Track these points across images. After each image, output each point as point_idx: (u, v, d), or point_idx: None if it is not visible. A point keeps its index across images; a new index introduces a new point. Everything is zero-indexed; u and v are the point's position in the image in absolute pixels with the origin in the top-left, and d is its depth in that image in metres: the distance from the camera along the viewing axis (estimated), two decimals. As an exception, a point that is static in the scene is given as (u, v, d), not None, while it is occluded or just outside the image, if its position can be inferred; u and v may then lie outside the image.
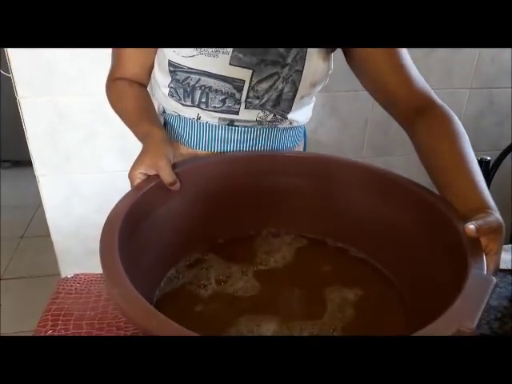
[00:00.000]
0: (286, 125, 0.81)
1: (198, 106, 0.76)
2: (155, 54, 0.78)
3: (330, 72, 0.80)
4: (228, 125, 0.78)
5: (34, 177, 1.28)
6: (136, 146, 1.32)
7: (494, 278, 0.44)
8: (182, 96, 0.76)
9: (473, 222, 0.49)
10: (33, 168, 1.27)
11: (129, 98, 0.75)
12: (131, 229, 0.54)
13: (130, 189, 0.61)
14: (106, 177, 1.31)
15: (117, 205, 0.55)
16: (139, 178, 0.62)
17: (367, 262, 0.69)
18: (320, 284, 0.64)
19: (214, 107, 0.76)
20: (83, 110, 1.21)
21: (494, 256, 0.50)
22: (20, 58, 1.12)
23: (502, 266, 0.88)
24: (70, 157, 1.26)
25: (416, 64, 1.51)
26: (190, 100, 0.76)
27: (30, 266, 2.00)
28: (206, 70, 0.72)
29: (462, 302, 0.41)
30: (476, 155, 1.29)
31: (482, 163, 1.21)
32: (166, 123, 0.84)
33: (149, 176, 0.62)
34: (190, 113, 0.78)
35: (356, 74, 0.76)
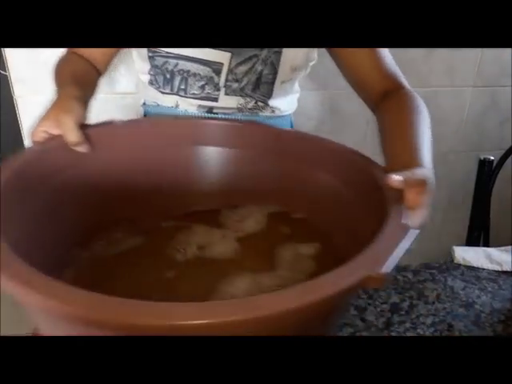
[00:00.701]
0: (268, 113, 0.79)
1: (177, 94, 0.75)
2: (117, 50, 0.76)
3: (314, 62, 0.79)
4: (207, 112, 0.77)
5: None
6: None
7: (411, 226, 0.43)
8: (161, 83, 0.75)
9: (398, 173, 0.49)
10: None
11: (70, 67, 0.69)
12: (22, 195, 0.47)
13: None
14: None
15: (3, 166, 0.47)
16: (41, 137, 0.55)
17: (308, 222, 0.67)
18: (278, 243, 0.62)
19: (194, 94, 0.75)
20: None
21: (419, 209, 0.48)
22: (17, 57, 1.12)
23: (506, 267, 0.88)
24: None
25: (418, 63, 1.51)
26: (170, 87, 0.75)
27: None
28: (184, 53, 0.71)
29: (372, 249, 0.39)
30: (479, 155, 1.29)
31: (486, 163, 1.20)
32: (145, 114, 0.83)
33: (53, 136, 0.55)
34: (169, 101, 0.77)
35: (333, 58, 0.77)
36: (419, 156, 0.57)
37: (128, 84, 1.19)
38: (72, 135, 0.54)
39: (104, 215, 0.61)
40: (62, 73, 0.67)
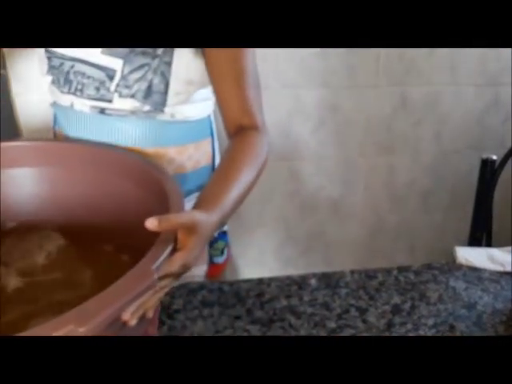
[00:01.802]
0: (166, 117, 0.78)
1: (74, 94, 0.77)
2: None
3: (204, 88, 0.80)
4: (100, 112, 0.77)
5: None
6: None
7: (154, 272, 0.45)
8: (61, 83, 0.77)
9: (157, 217, 0.49)
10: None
11: None
12: None
13: None
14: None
15: None
16: None
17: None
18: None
19: (88, 95, 0.76)
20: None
21: (185, 252, 0.51)
22: (14, 55, 1.11)
23: (508, 268, 0.87)
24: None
25: (420, 61, 1.51)
26: (68, 87, 0.77)
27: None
28: (79, 56, 0.74)
29: (91, 302, 0.40)
30: (481, 153, 1.28)
31: (488, 163, 1.20)
32: (54, 114, 0.85)
33: None
34: (66, 100, 0.78)
35: (207, 71, 0.77)
36: (217, 203, 0.60)
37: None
38: None
39: None
40: None
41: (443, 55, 1.43)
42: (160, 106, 0.77)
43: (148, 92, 0.75)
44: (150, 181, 0.61)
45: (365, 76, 1.40)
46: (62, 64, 0.75)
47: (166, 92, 0.76)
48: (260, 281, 0.82)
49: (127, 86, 0.74)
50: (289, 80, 1.38)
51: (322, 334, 0.70)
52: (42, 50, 0.76)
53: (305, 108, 1.42)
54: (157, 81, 0.74)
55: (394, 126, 1.51)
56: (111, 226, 0.65)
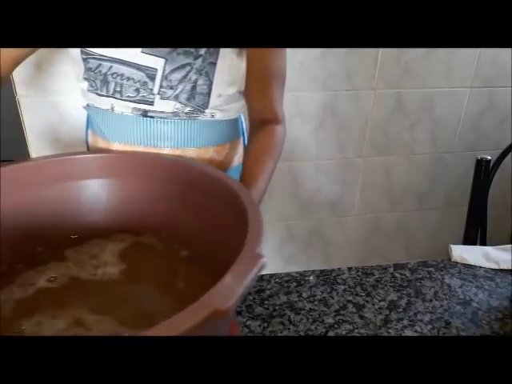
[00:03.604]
0: (207, 117, 0.78)
1: (113, 96, 0.74)
2: (31, 50, 0.75)
3: (242, 89, 0.81)
4: (142, 115, 0.76)
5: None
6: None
7: (262, 255, 0.46)
8: (98, 86, 0.74)
9: None
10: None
11: None
12: None
13: None
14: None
15: None
16: None
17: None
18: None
19: (128, 96, 0.74)
20: (83, 109, 1.21)
21: None
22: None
23: (503, 266, 0.88)
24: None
25: (416, 64, 1.52)
26: (106, 89, 0.74)
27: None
28: (118, 57, 0.71)
29: (222, 283, 0.42)
30: (476, 155, 1.30)
31: (483, 163, 1.21)
32: (88, 116, 0.84)
33: None
34: (105, 103, 0.76)
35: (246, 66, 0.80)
36: (255, 180, 0.73)
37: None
38: None
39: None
40: None
41: (439, 58, 1.44)
42: (202, 107, 0.76)
43: (192, 93, 0.74)
44: (224, 191, 0.61)
45: (362, 79, 1.42)
46: (99, 65, 0.72)
47: (209, 93, 0.75)
48: (260, 277, 0.82)
49: (171, 87, 0.73)
50: (289, 84, 1.38)
51: (321, 329, 0.71)
52: (77, 53, 0.72)
53: (304, 110, 1.43)
54: (201, 82, 0.74)
55: (390, 128, 1.52)
56: (186, 235, 0.66)
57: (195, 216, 0.66)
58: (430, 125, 1.55)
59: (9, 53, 0.73)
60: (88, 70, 0.73)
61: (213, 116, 0.78)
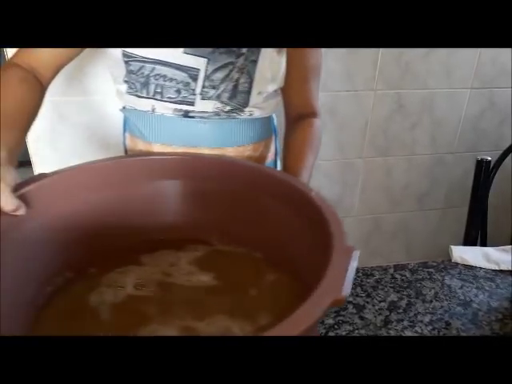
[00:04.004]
0: (245, 115, 0.79)
1: (153, 98, 0.75)
2: (75, 54, 0.73)
3: (281, 86, 0.81)
4: (183, 116, 0.76)
5: (33, 177, 1.27)
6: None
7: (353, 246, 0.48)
8: (138, 88, 0.75)
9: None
10: (32, 168, 1.26)
11: (4, 99, 0.65)
12: None
13: None
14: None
15: None
16: None
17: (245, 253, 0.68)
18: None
19: (169, 98, 0.74)
20: (83, 110, 1.21)
21: None
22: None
23: (503, 266, 0.88)
24: (69, 157, 1.26)
25: (416, 64, 1.52)
26: (146, 91, 0.75)
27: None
28: (161, 58, 0.71)
29: (331, 276, 0.44)
30: (476, 156, 1.30)
31: (483, 164, 1.21)
32: (125, 119, 0.84)
33: None
34: (146, 105, 0.77)
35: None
36: (299, 172, 0.72)
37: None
38: (9, 203, 0.52)
39: (72, 257, 0.63)
40: None
41: (439, 59, 1.44)
42: (242, 106, 0.77)
43: (233, 92, 0.75)
44: (291, 193, 0.62)
45: (362, 80, 1.41)
46: (141, 67, 0.72)
47: (249, 91, 0.76)
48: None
49: (213, 87, 0.74)
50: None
51: (321, 330, 0.72)
52: (118, 56, 0.72)
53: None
54: (243, 80, 0.74)
55: (390, 129, 1.52)
56: (261, 238, 0.66)
57: (264, 218, 0.66)
58: (430, 125, 1.55)
59: (51, 59, 0.71)
60: (129, 72, 0.73)
61: (251, 114, 0.80)
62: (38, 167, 1.26)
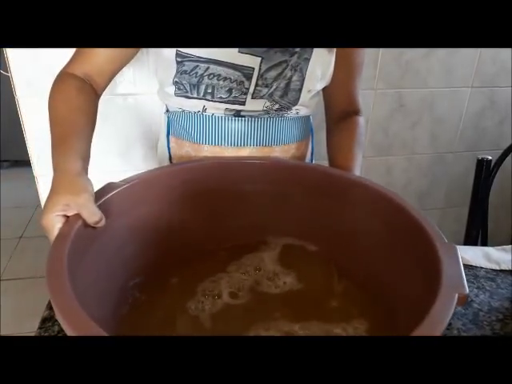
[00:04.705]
0: (292, 114, 0.80)
1: (204, 98, 0.75)
2: (129, 59, 0.74)
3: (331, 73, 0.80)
4: (234, 115, 0.77)
5: (33, 177, 1.27)
6: (137, 147, 1.31)
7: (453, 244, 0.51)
8: (188, 88, 0.75)
9: None
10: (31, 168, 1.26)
11: (66, 110, 0.67)
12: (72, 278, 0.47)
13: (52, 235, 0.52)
14: (106, 177, 1.29)
15: (51, 263, 0.47)
16: (57, 221, 0.52)
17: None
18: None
19: (221, 98, 0.75)
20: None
21: None
22: (19, 57, 1.11)
23: (504, 266, 0.88)
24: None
25: (416, 63, 1.51)
26: (196, 92, 0.75)
27: (29, 267, 2.00)
28: (216, 57, 0.71)
29: (449, 273, 0.45)
30: (477, 155, 1.29)
31: (484, 163, 1.20)
32: (169, 122, 0.83)
33: (67, 217, 0.53)
34: (196, 105, 0.77)
35: None
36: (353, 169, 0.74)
37: (128, 85, 1.20)
38: (94, 215, 0.53)
39: (158, 259, 0.65)
40: (56, 129, 0.65)
41: (439, 58, 1.44)
42: (292, 104, 0.78)
43: (285, 90, 0.75)
44: (377, 200, 0.63)
45: (363, 79, 1.39)
46: (195, 67, 0.72)
47: (300, 89, 0.77)
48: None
49: (266, 85, 0.74)
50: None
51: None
52: (171, 57, 0.72)
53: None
54: (295, 78, 0.75)
55: (391, 128, 1.52)
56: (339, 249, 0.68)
57: (342, 223, 0.67)
58: (430, 124, 1.55)
59: (106, 65, 0.72)
60: (182, 72, 0.73)
61: (297, 113, 0.81)
62: (37, 167, 1.25)
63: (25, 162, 1.86)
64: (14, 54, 1.11)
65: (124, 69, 0.77)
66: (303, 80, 0.76)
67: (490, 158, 1.21)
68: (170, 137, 0.85)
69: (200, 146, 0.80)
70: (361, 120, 0.84)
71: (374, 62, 1.39)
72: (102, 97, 0.76)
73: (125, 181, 0.63)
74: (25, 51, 1.11)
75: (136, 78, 1.19)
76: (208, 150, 0.80)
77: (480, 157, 1.22)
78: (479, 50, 1.47)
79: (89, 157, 0.63)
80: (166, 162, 0.87)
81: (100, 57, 0.70)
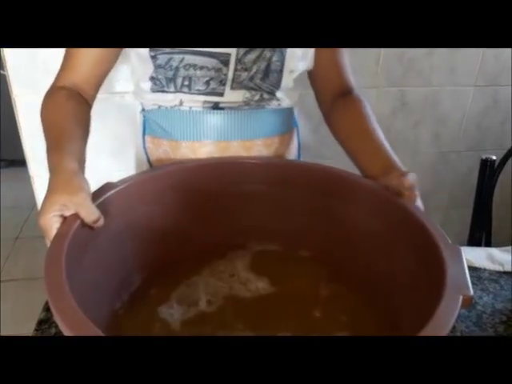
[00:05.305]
0: (274, 105, 0.78)
1: (181, 91, 0.73)
2: (112, 63, 0.74)
3: (310, 67, 0.79)
4: (213, 108, 0.75)
5: (29, 177, 1.27)
6: (132, 147, 1.30)
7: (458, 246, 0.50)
8: (164, 83, 0.73)
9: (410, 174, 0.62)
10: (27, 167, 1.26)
11: (57, 116, 0.68)
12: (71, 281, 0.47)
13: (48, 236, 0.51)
14: (101, 177, 1.29)
15: (49, 263, 0.46)
16: (55, 222, 0.52)
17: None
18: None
19: (198, 90, 0.73)
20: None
21: (418, 201, 0.61)
22: (15, 56, 1.11)
23: (507, 268, 0.87)
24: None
25: (419, 62, 1.51)
26: (173, 85, 0.73)
27: (25, 268, 2.00)
28: (190, 48, 0.70)
29: (453, 275, 0.46)
30: (480, 154, 1.28)
31: (487, 163, 1.20)
32: (144, 121, 0.82)
33: (65, 218, 0.52)
34: (172, 99, 0.75)
35: None
36: (393, 158, 0.71)
37: (127, 83, 1.19)
38: (92, 214, 0.53)
39: (141, 264, 0.65)
40: (50, 133, 0.66)
41: (442, 56, 1.43)
42: (274, 87, 0.76)
43: (266, 72, 0.74)
44: (378, 201, 0.63)
45: (364, 77, 1.40)
46: (169, 60, 0.71)
47: (281, 70, 0.75)
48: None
49: (245, 69, 0.73)
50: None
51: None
52: (145, 52, 0.71)
53: (305, 108, 1.42)
54: (275, 58, 0.74)
55: (393, 126, 1.51)
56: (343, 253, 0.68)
57: (338, 225, 0.67)
58: (433, 123, 1.55)
59: (91, 72, 0.73)
60: (157, 67, 0.72)
61: (279, 104, 0.79)
62: (33, 166, 1.25)
63: (21, 162, 1.86)
64: (10, 53, 1.11)
65: (120, 67, 0.76)
66: (284, 60, 0.74)
67: (493, 157, 1.20)
68: (146, 137, 0.83)
69: (178, 143, 0.77)
70: (360, 96, 0.80)
71: (376, 59, 1.39)
72: (98, 96, 0.76)
73: (123, 181, 0.63)
74: (21, 50, 1.11)
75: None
76: (186, 146, 0.77)
77: (484, 157, 1.21)
78: (482, 48, 1.46)
79: (84, 160, 0.63)
80: (145, 165, 0.84)
81: (84, 65, 0.71)
